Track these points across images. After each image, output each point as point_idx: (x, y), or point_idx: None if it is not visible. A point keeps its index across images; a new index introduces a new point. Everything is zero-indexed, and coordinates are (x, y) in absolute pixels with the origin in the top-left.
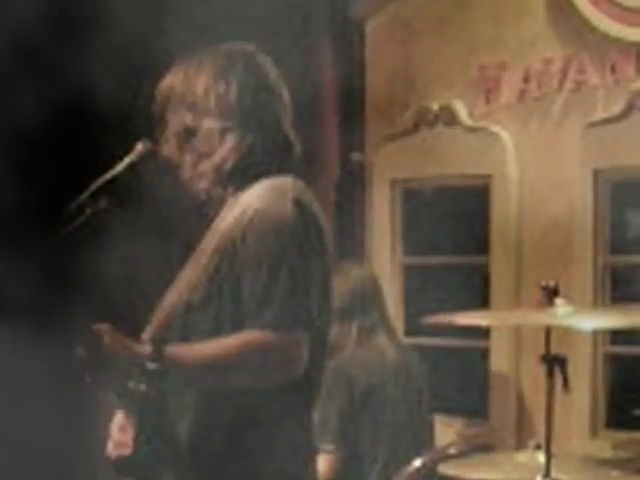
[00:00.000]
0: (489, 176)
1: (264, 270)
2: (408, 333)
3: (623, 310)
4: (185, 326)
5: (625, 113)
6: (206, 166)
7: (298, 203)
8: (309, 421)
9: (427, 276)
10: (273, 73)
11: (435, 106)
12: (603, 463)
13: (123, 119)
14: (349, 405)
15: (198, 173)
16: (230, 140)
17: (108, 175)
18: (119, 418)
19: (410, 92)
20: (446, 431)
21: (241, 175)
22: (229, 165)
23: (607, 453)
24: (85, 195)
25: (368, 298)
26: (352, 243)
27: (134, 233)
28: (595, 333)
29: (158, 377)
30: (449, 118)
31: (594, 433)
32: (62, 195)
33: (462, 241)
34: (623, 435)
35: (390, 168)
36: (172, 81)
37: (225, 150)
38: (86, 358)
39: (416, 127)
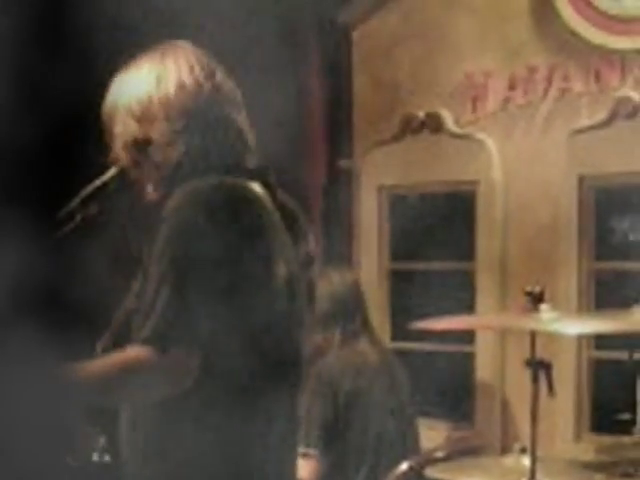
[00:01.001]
0: (475, 182)
1: (153, 280)
2: (394, 338)
3: (607, 315)
4: (124, 335)
5: (609, 120)
6: (158, 175)
7: (207, 205)
8: (285, 423)
9: (413, 281)
10: (217, 71)
11: (421, 113)
12: (587, 466)
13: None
14: (333, 410)
15: (153, 181)
16: (181, 146)
17: (98, 182)
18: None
19: (397, 99)
20: (432, 435)
21: (185, 178)
22: (176, 170)
23: (591, 457)
24: (75, 202)
25: (351, 303)
26: (339, 248)
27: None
28: (579, 338)
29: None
30: (435, 125)
31: (578, 437)
32: (52, 202)
33: (448, 247)
34: (607, 439)
35: (377, 174)
36: (115, 91)
37: (178, 157)
38: None
39: (403, 134)
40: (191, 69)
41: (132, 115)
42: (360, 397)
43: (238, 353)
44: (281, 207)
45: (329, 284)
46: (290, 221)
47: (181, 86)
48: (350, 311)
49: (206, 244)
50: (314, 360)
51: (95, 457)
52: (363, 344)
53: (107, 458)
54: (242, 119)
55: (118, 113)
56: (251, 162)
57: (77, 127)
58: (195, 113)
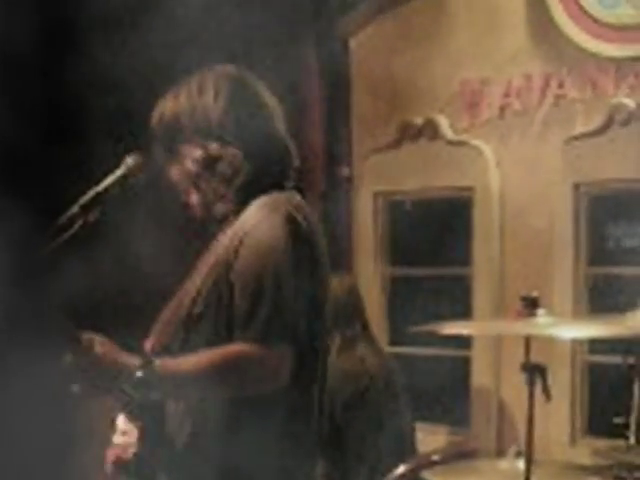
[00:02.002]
0: (471, 189)
1: (253, 286)
2: (392, 343)
3: (602, 320)
4: (186, 337)
5: (604, 127)
6: (225, 190)
7: (290, 220)
8: (308, 425)
9: (411, 287)
10: (265, 92)
11: (418, 120)
12: (582, 470)
13: (113, 133)
14: (331, 415)
15: (217, 196)
16: (245, 163)
17: (98, 188)
18: (120, 422)
19: (394, 107)
20: (429, 438)
21: (245, 192)
22: (239, 184)
23: (586, 460)
24: (75, 208)
25: (351, 308)
26: (338, 254)
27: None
28: (574, 343)
29: (145, 386)
30: (432, 132)
31: (573, 440)
32: (52, 207)
33: (445, 252)
34: (602, 442)
35: (375, 181)
36: (177, 108)
37: (243, 173)
38: (75, 366)
39: (400, 141)
40: (248, 92)
41: (201, 132)
42: (359, 403)
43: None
44: None
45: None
46: None
47: (244, 108)
48: (349, 316)
49: (293, 255)
50: None
51: (136, 450)
52: (362, 349)
53: (146, 451)
54: (286, 134)
55: (187, 131)
56: (296, 178)
57: (79, 133)
58: (255, 133)
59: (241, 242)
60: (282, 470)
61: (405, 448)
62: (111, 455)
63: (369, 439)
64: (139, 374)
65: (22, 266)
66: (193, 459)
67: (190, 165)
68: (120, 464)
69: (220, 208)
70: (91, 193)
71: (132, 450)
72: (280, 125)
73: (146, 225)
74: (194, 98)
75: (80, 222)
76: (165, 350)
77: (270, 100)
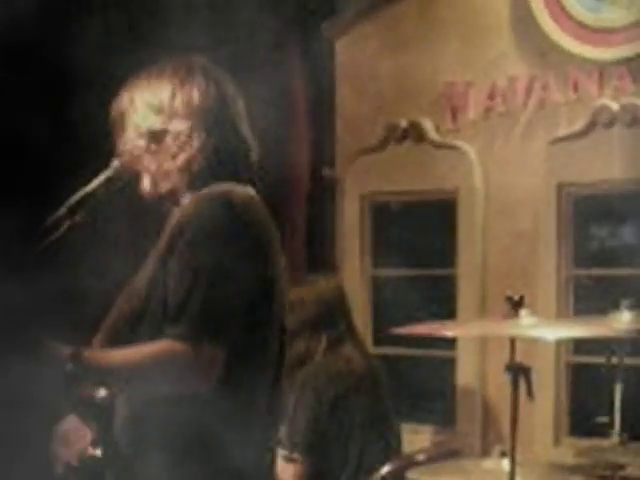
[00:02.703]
0: (456, 190)
1: (183, 280)
2: (377, 343)
3: (585, 321)
4: (130, 333)
5: (587, 129)
6: (171, 166)
7: (233, 213)
8: (263, 420)
9: (396, 287)
10: (229, 84)
11: (403, 123)
12: (566, 469)
13: (99, 135)
14: (318, 415)
15: (163, 172)
16: (196, 141)
17: (85, 190)
18: (72, 422)
19: (379, 109)
20: (414, 438)
21: (191, 179)
22: (195, 167)
23: (570, 460)
24: (62, 210)
25: (336, 309)
26: (323, 255)
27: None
28: (558, 343)
29: (74, 379)
30: (417, 134)
31: (557, 440)
32: (38, 210)
33: (429, 253)
34: (585, 442)
35: (359, 182)
36: (133, 90)
37: (192, 151)
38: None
39: (385, 143)
40: (211, 79)
41: (152, 108)
42: (345, 403)
43: (247, 352)
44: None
45: (315, 290)
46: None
47: (203, 92)
48: (336, 316)
49: (232, 248)
50: (300, 366)
51: (89, 451)
52: (348, 349)
53: (98, 452)
54: (246, 128)
55: (135, 107)
56: (254, 171)
57: (66, 136)
58: (212, 117)
59: (180, 234)
60: (227, 472)
61: (391, 448)
62: (63, 455)
63: (355, 439)
64: (69, 366)
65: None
66: (136, 463)
67: (135, 139)
68: (70, 464)
69: (166, 185)
70: (78, 195)
71: (81, 451)
72: (239, 117)
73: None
74: (151, 79)
75: (67, 223)
76: (111, 345)
77: (233, 92)
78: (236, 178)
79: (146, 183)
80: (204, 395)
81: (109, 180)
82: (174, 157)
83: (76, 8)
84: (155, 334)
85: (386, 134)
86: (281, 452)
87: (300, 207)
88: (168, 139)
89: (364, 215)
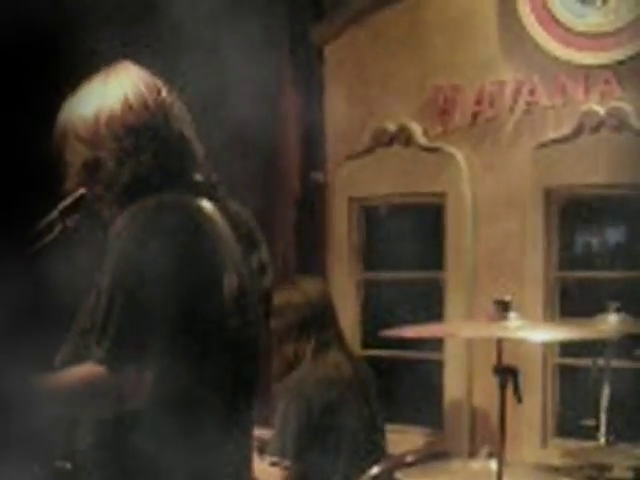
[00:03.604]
0: (444, 194)
1: (105, 301)
2: (366, 346)
3: (572, 323)
4: (80, 352)
5: (574, 134)
6: (111, 195)
7: (150, 226)
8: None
9: (384, 291)
10: (161, 85)
11: (392, 127)
12: (553, 471)
13: None
14: (307, 421)
15: (106, 202)
16: (127, 166)
17: (75, 194)
18: None
19: (368, 113)
20: (402, 439)
21: (128, 193)
22: (125, 190)
23: (557, 461)
24: (54, 213)
25: (324, 313)
26: (312, 259)
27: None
28: (545, 345)
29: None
30: (405, 139)
31: (544, 441)
32: (30, 213)
33: (418, 257)
34: (572, 443)
35: (349, 186)
36: (63, 117)
37: (124, 177)
38: None
39: (374, 147)
40: (135, 87)
41: (79, 138)
42: (334, 409)
43: (190, 367)
44: (232, 219)
45: (302, 294)
46: (243, 232)
47: (126, 105)
48: (323, 320)
49: (152, 263)
50: (287, 371)
51: (57, 464)
52: (336, 354)
53: (67, 465)
54: (191, 135)
55: (67, 138)
56: (200, 177)
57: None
58: (142, 131)
59: (106, 254)
60: None
61: (378, 453)
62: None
63: (344, 444)
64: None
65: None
66: (85, 475)
67: (71, 170)
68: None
69: (105, 211)
70: (69, 199)
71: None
72: (179, 125)
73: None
74: (77, 103)
75: (59, 227)
76: (66, 366)
77: (167, 97)
78: (181, 191)
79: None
80: (145, 414)
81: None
82: (110, 187)
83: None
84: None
85: (374, 138)
86: (270, 458)
87: (290, 211)
88: (102, 170)
89: (353, 219)
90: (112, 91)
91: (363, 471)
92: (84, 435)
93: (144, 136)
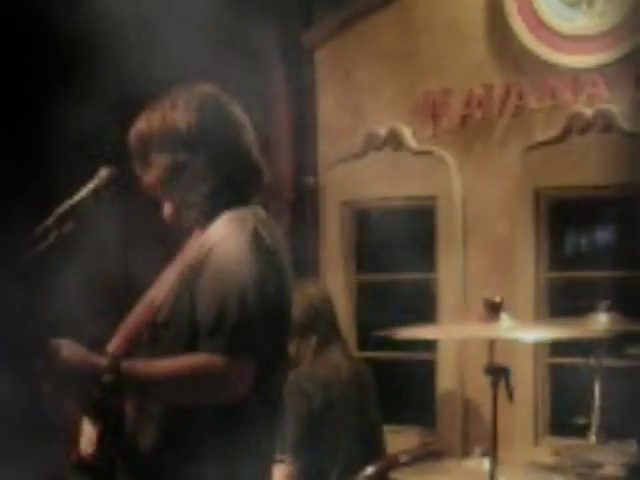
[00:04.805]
0: (435, 197)
1: (219, 300)
2: (361, 347)
3: (563, 323)
4: (150, 344)
5: (563, 136)
6: (194, 197)
7: (256, 236)
8: (270, 435)
9: (377, 292)
10: (238, 110)
11: (382, 131)
12: (545, 469)
13: (87, 145)
14: (307, 420)
15: (186, 203)
16: (213, 172)
17: (72, 200)
18: (86, 423)
19: (359, 118)
20: (396, 439)
21: (211, 203)
22: (208, 196)
23: (549, 459)
24: (50, 219)
25: (324, 314)
26: (307, 262)
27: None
28: (537, 345)
29: (113, 389)
30: (396, 142)
31: (537, 440)
32: (27, 219)
33: (410, 259)
34: (564, 442)
35: (341, 190)
36: (151, 121)
37: (210, 182)
38: (44, 370)
39: (365, 151)
40: (223, 109)
41: (170, 141)
42: (333, 407)
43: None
44: None
45: (304, 295)
46: None
47: (213, 121)
48: (323, 320)
49: (258, 270)
50: (290, 369)
51: (88, 452)
52: (335, 355)
53: (94, 451)
54: (257, 151)
55: (152, 139)
56: (261, 191)
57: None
58: (227, 147)
59: (207, 256)
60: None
61: (377, 451)
62: (73, 455)
63: (343, 443)
64: (107, 377)
65: None
66: (155, 466)
67: (159, 173)
68: (80, 464)
69: (188, 216)
70: (65, 205)
71: (91, 451)
72: (250, 142)
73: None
74: (166, 111)
75: (55, 233)
76: (127, 356)
77: (242, 118)
78: (248, 201)
79: (168, 211)
80: (237, 405)
81: (95, 191)
82: (194, 188)
83: None
84: (177, 348)
85: (366, 142)
86: None
87: (284, 215)
88: (188, 171)
89: (345, 222)
90: (202, 106)
91: (358, 471)
92: (142, 431)
93: (228, 152)
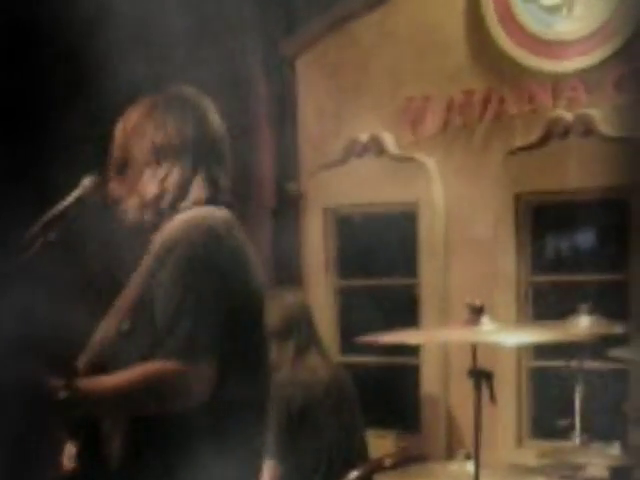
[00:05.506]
0: (416, 202)
1: (172, 300)
2: (343, 352)
3: (545, 326)
4: (117, 353)
5: (543, 140)
6: (156, 195)
7: (211, 236)
8: (254, 439)
9: (360, 298)
10: (215, 117)
11: (364, 137)
12: (528, 471)
13: (71, 153)
14: (287, 423)
15: (148, 200)
16: (182, 171)
17: (56, 209)
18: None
19: (340, 124)
20: (380, 443)
21: (174, 204)
22: (170, 196)
23: (532, 461)
24: (35, 228)
25: (302, 321)
26: (289, 268)
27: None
28: (519, 348)
29: (67, 406)
30: (378, 148)
31: (520, 443)
32: (10, 227)
33: (392, 264)
34: (547, 444)
35: (323, 196)
36: (130, 120)
37: (178, 180)
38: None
39: (347, 157)
40: (199, 110)
41: (146, 139)
42: (312, 410)
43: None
44: None
45: (282, 303)
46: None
47: (192, 123)
48: (301, 326)
49: (216, 268)
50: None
51: (67, 465)
52: (314, 359)
53: (75, 466)
54: (228, 152)
55: (129, 137)
56: (226, 194)
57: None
58: (200, 148)
59: (162, 258)
60: None
61: (359, 454)
62: (57, 471)
63: (324, 446)
64: (62, 395)
65: None
66: (125, 477)
67: (130, 171)
68: (65, 476)
69: (151, 212)
70: (50, 214)
71: (71, 467)
72: (223, 145)
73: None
74: (145, 112)
75: (40, 241)
76: (97, 367)
77: (217, 121)
78: (215, 202)
79: (131, 209)
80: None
81: (80, 199)
82: (160, 186)
83: None
84: (144, 352)
85: (347, 148)
86: None
87: (266, 222)
88: (157, 170)
89: (328, 228)
90: (179, 110)
91: (342, 472)
92: (113, 445)
93: (196, 151)
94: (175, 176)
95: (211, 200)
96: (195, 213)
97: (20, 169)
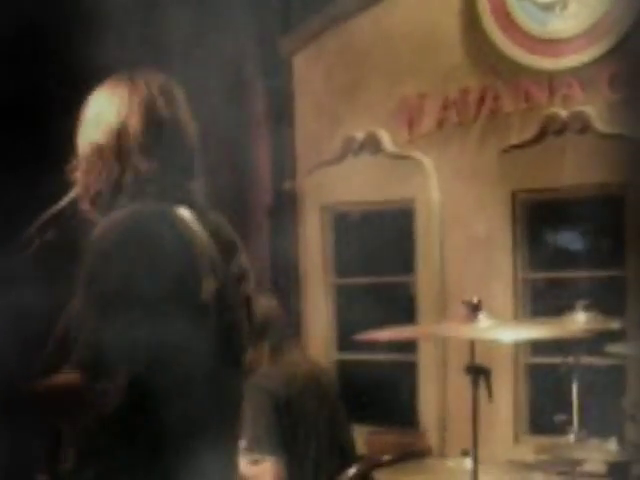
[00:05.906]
0: (413, 200)
1: (80, 310)
2: (341, 349)
3: (542, 323)
4: (62, 358)
5: (539, 138)
6: (101, 185)
7: (131, 233)
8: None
9: (358, 295)
10: (183, 105)
11: (361, 135)
12: (526, 467)
13: (69, 152)
14: (276, 416)
15: (93, 194)
16: (115, 167)
17: (53, 209)
18: None
19: (337, 122)
20: (378, 440)
21: (113, 198)
22: (107, 193)
23: (530, 457)
24: (32, 228)
25: (276, 322)
26: (286, 266)
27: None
28: (516, 345)
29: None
30: (374, 146)
31: (517, 439)
32: (8, 226)
33: (389, 261)
34: (544, 440)
35: (320, 194)
36: (89, 102)
37: (115, 176)
38: None
39: (343, 155)
40: (153, 95)
41: (95, 122)
42: (297, 404)
43: (168, 370)
44: (211, 227)
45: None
46: (222, 239)
47: (144, 111)
48: (276, 327)
49: (127, 270)
50: (249, 373)
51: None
52: (291, 356)
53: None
54: (192, 143)
55: (83, 119)
56: (190, 186)
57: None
58: (147, 138)
59: (82, 257)
60: None
61: (343, 450)
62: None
63: (311, 439)
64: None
65: None
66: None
67: (80, 160)
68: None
69: (86, 204)
70: (47, 214)
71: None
72: (187, 136)
73: None
74: (102, 94)
75: (37, 241)
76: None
77: (186, 117)
78: (161, 200)
79: (84, 206)
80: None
81: (75, 200)
82: (107, 175)
83: None
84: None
85: (344, 147)
86: (248, 457)
87: (263, 220)
88: (104, 155)
89: (325, 226)
90: (134, 95)
91: (328, 463)
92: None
93: (146, 142)
94: (113, 171)
95: (157, 195)
96: (118, 212)
97: (19, 169)
